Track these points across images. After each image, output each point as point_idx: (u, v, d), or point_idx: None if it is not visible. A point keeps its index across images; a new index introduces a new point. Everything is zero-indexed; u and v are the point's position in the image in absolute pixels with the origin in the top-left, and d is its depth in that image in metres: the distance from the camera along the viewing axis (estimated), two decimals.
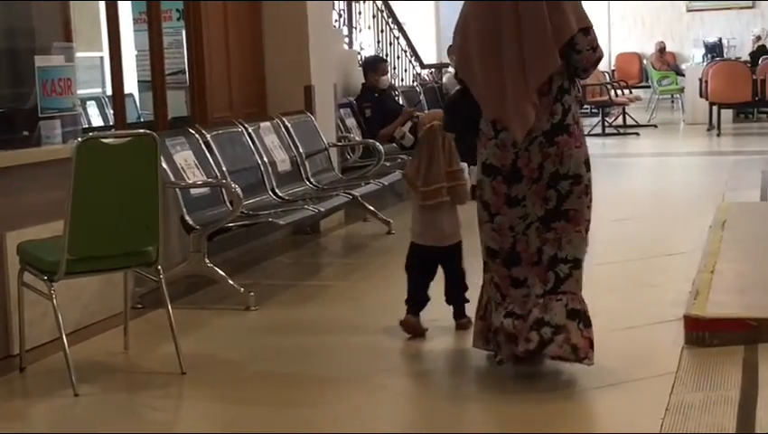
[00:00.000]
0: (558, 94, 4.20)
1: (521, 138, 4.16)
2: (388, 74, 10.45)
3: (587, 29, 4.19)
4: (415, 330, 4.99)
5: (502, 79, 4.17)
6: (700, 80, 15.78)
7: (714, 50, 18.18)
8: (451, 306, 5.15)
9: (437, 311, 5.12)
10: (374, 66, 10.00)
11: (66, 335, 4.42)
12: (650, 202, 9.16)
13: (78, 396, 4.32)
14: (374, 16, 11.76)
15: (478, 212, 4.36)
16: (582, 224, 4.26)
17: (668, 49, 19.76)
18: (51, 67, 5.27)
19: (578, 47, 4.17)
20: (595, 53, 4.20)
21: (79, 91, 5.56)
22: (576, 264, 4.27)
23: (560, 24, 4.12)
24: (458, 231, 5.02)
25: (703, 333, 4.72)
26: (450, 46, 4.37)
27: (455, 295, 5.10)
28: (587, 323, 4.25)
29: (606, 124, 15.62)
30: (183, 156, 6.25)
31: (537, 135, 4.18)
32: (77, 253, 4.38)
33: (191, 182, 6.12)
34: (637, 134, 15.48)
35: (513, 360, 4.29)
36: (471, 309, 4.79)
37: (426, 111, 11.08)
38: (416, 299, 5.03)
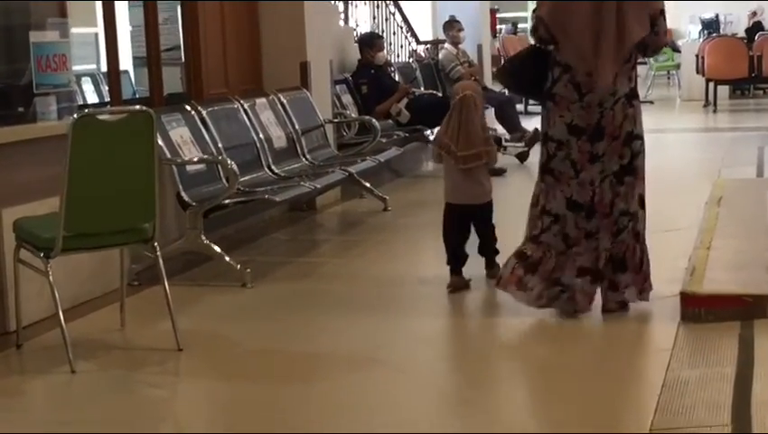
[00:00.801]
0: (634, 63, 4.80)
1: (609, 85, 4.67)
2: (384, 50, 10.42)
3: (663, 12, 4.74)
4: (461, 287, 5.42)
5: (598, 38, 4.65)
6: (697, 56, 15.76)
7: (710, 26, 18.16)
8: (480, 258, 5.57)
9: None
10: (370, 42, 9.97)
11: (62, 312, 4.42)
12: (646, 179, 9.13)
13: (74, 372, 4.33)
14: None
15: (558, 170, 4.81)
16: (642, 181, 4.84)
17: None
18: (45, 43, 5.25)
19: (657, 29, 4.73)
20: (665, 39, 4.77)
21: (73, 68, 5.53)
22: (635, 217, 4.81)
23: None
24: (491, 189, 5.49)
25: (699, 309, 4.73)
26: (537, 9, 4.90)
27: (488, 248, 5.53)
28: (647, 265, 4.87)
29: None
30: (179, 133, 6.24)
31: (620, 96, 4.72)
32: (73, 230, 4.37)
33: (187, 158, 6.11)
34: None
35: (571, 314, 4.80)
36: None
37: (423, 91, 11.10)
38: (458, 257, 5.46)
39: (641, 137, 4.82)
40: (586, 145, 4.74)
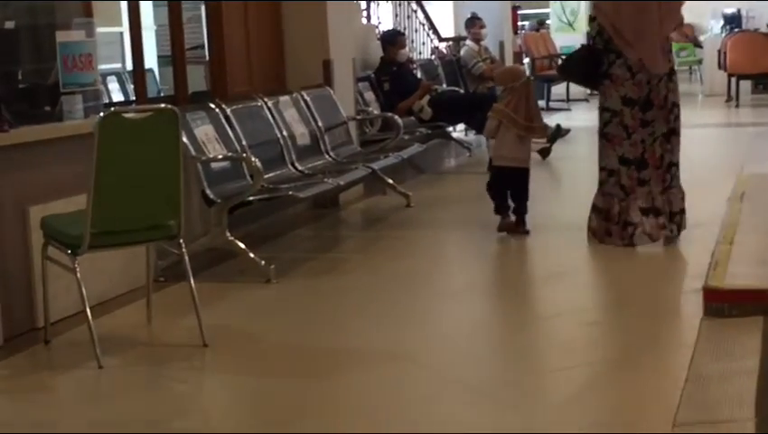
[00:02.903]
0: (670, 47, 6.16)
1: (662, 71, 5.99)
2: (407, 47, 10.44)
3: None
4: (510, 227, 6.56)
5: (647, 31, 5.93)
6: (719, 51, 15.67)
7: (732, 21, 18.02)
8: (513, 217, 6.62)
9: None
10: (392, 40, 10.00)
11: (90, 308, 4.46)
12: None
13: (102, 368, 4.38)
14: None
15: (612, 134, 6.02)
16: (679, 139, 6.12)
17: (685, 20, 19.54)
18: (72, 42, 5.29)
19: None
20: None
21: (99, 67, 5.58)
22: (678, 167, 6.10)
23: None
24: (530, 158, 6.72)
25: (722, 304, 4.73)
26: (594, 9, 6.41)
27: (521, 208, 6.62)
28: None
29: None
30: (204, 131, 6.28)
31: (663, 75, 6.01)
32: (100, 227, 4.41)
33: (211, 156, 6.15)
34: None
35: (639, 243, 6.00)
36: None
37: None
38: (504, 206, 6.62)
39: (678, 105, 6.10)
40: (638, 113, 5.96)
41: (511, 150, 6.56)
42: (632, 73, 5.95)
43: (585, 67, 6.14)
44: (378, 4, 11.50)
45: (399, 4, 11.84)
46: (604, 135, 6.08)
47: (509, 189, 6.60)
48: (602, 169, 6.09)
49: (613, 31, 5.98)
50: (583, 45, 6.45)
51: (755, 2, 18.28)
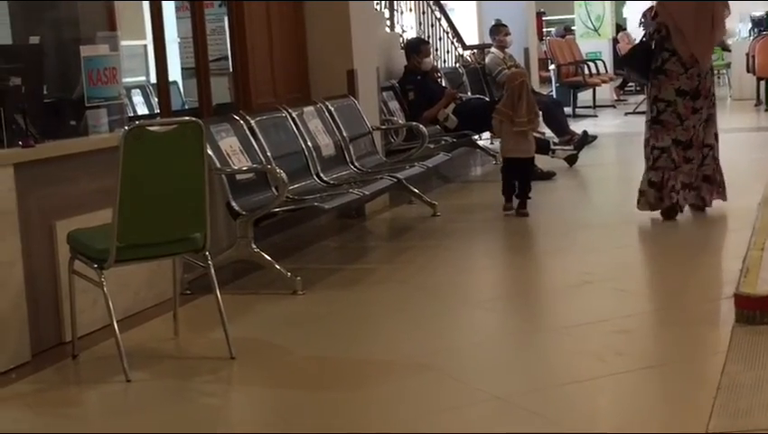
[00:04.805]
0: None
1: (708, 67, 7.11)
2: (431, 56, 10.43)
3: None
4: (511, 209, 7.70)
5: (703, 32, 6.96)
6: (747, 54, 15.59)
7: (760, 24, 17.92)
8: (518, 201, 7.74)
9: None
10: (416, 48, 9.98)
11: (117, 322, 4.46)
12: None
13: (130, 382, 4.38)
14: None
15: (667, 120, 7.05)
16: (716, 123, 7.23)
17: None
18: (96, 56, 5.31)
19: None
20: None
21: (123, 80, 5.59)
22: (715, 147, 7.17)
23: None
24: (533, 149, 7.88)
25: (754, 311, 4.67)
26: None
27: (524, 192, 7.72)
28: (722, 176, 7.24)
29: None
30: (229, 143, 6.28)
31: (708, 69, 7.15)
32: (126, 241, 4.42)
33: (236, 168, 6.15)
34: None
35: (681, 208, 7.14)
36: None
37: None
38: (508, 192, 7.79)
39: (714, 94, 7.23)
40: (690, 102, 7.01)
41: (513, 143, 7.71)
42: (685, 68, 6.98)
43: (646, 61, 7.11)
44: (401, 13, 11.50)
45: (423, 12, 11.83)
46: (658, 121, 7.09)
47: (516, 176, 7.76)
48: (653, 149, 7.10)
49: (675, 30, 6.95)
50: (642, 41, 7.41)
51: None
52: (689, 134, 7.04)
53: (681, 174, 7.07)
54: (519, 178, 7.76)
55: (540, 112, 10.56)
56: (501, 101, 7.83)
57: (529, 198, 7.70)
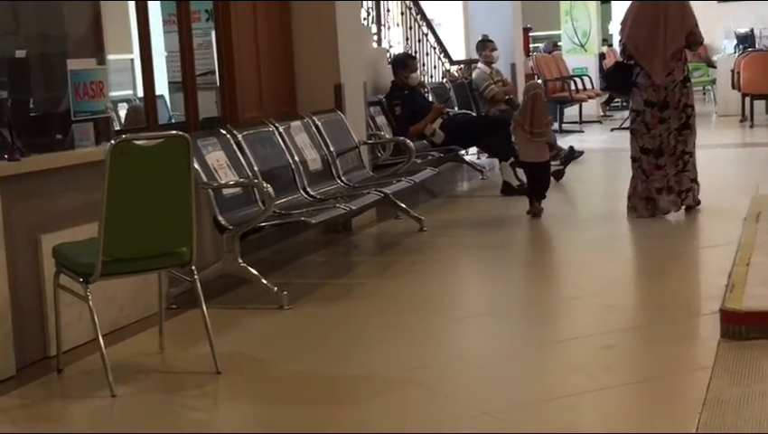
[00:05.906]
0: (684, 59, 7.70)
1: (661, 80, 7.56)
2: (418, 71, 10.44)
3: (697, 24, 7.71)
4: (537, 211, 8.23)
5: (657, 50, 7.56)
6: (732, 71, 15.64)
7: (745, 40, 17.99)
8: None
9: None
10: (403, 63, 9.99)
11: (102, 337, 4.44)
12: None
13: (115, 397, 4.36)
14: (402, 13, 11.73)
15: (636, 129, 7.69)
16: (694, 134, 7.71)
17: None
18: (82, 70, 5.30)
19: (696, 37, 7.72)
20: (701, 37, 7.80)
21: (110, 94, 5.58)
22: (691, 155, 7.66)
23: (688, 20, 7.67)
24: (548, 153, 8.50)
25: (739, 326, 4.69)
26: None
27: (540, 194, 8.32)
28: (697, 184, 7.74)
29: None
30: (215, 157, 6.28)
31: (677, 82, 7.60)
32: (112, 255, 4.40)
33: (223, 182, 6.14)
34: None
35: (658, 214, 7.67)
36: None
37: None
38: (532, 194, 8.36)
39: (692, 106, 7.71)
40: (657, 112, 7.58)
41: (526, 149, 8.33)
42: (651, 81, 7.58)
43: (620, 78, 7.86)
44: (389, 28, 11.51)
45: (410, 28, 11.85)
46: (631, 131, 7.77)
47: (535, 177, 8.41)
48: (631, 158, 7.73)
49: (633, 48, 7.68)
50: (616, 62, 8.18)
51: None
52: (656, 142, 7.60)
53: (655, 182, 7.59)
54: (536, 181, 8.38)
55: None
56: (518, 110, 8.69)
57: (545, 197, 8.33)
